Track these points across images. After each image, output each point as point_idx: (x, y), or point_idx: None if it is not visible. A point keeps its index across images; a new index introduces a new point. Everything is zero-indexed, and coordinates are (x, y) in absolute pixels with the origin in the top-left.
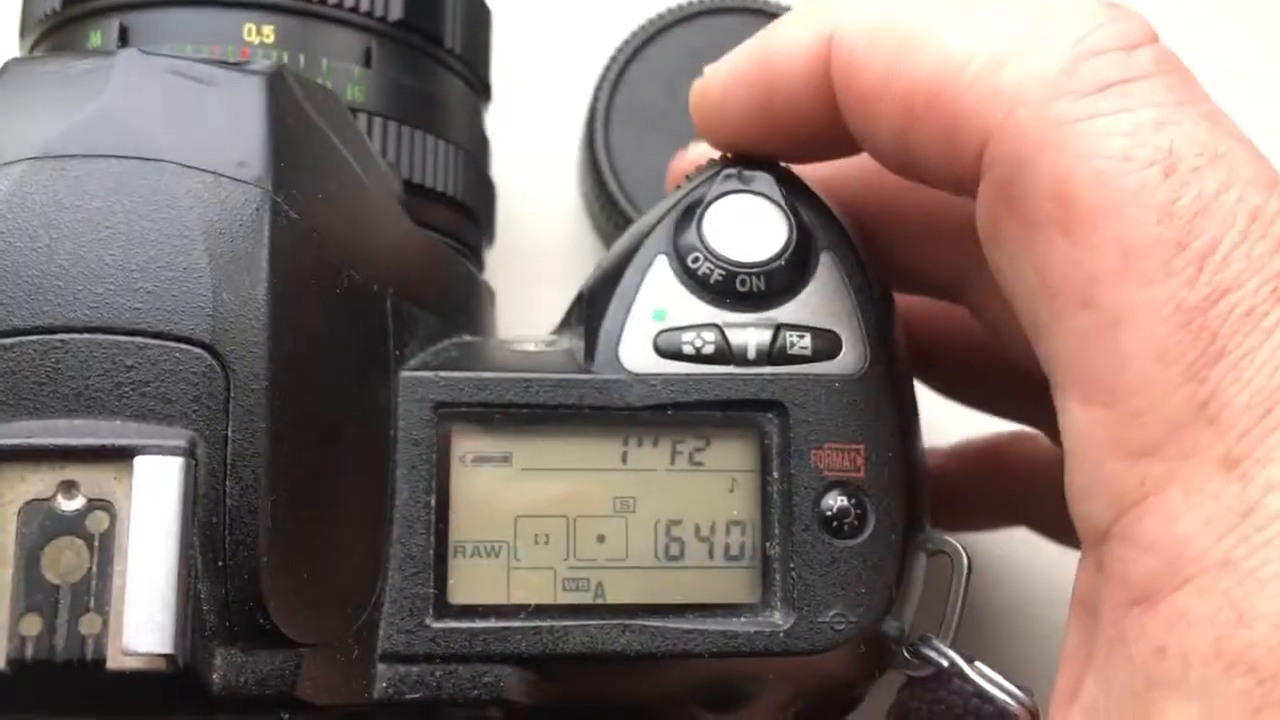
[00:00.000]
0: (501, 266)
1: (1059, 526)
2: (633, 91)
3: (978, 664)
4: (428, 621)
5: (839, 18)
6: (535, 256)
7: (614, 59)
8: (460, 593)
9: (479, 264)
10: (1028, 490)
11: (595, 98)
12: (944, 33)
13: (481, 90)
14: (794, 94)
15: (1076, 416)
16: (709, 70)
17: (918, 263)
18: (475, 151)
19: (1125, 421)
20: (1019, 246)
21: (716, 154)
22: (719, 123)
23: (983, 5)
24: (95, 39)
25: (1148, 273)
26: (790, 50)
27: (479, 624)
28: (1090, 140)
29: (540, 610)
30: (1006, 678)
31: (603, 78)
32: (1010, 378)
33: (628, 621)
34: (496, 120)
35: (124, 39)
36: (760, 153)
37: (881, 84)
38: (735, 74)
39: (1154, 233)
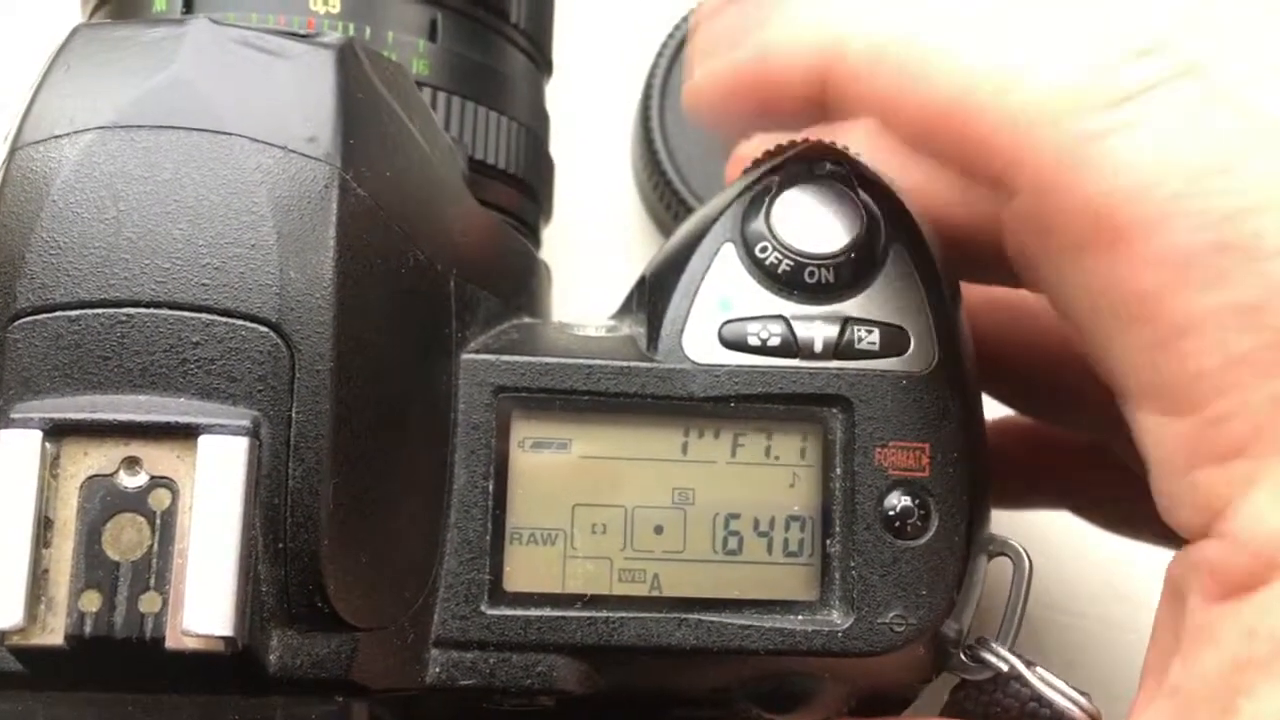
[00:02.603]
0: (552, 243)
1: (1101, 511)
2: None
3: (1038, 668)
4: (483, 608)
5: (840, 31)
6: (586, 233)
7: (671, 36)
8: (516, 580)
9: (537, 242)
10: (1072, 474)
11: (651, 74)
12: (959, 47)
13: (544, 65)
14: (791, 110)
15: (1154, 428)
16: (699, 74)
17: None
18: (537, 128)
19: (1205, 429)
20: (1059, 268)
21: (783, 139)
22: (714, 122)
23: (991, 17)
24: (160, 3)
25: (1202, 280)
26: (786, 65)
27: (534, 612)
28: (1121, 155)
29: (595, 600)
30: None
31: (659, 54)
32: (1075, 383)
33: (683, 615)
34: (552, 96)
35: (189, 5)
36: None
37: (896, 99)
38: (728, 81)
39: (1201, 239)
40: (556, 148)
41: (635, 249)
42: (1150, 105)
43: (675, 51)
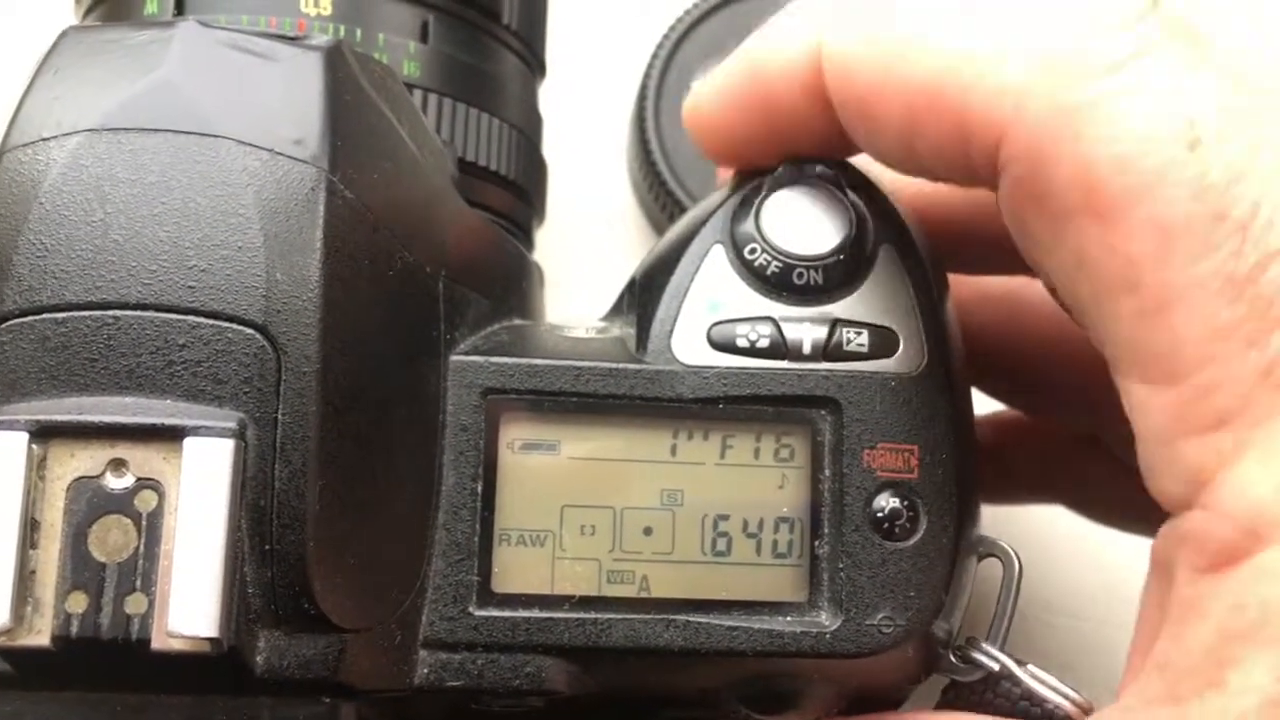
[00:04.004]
0: (547, 246)
1: (1095, 505)
2: (684, 71)
3: (1030, 667)
4: (471, 609)
5: (821, 35)
6: (582, 235)
7: (666, 37)
8: (504, 581)
9: (529, 244)
10: (1064, 467)
11: (646, 76)
12: (939, 33)
13: (537, 68)
14: (792, 108)
15: (1141, 397)
16: (697, 88)
17: (983, 233)
18: (529, 130)
19: (1192, 399)
20: (1052, 239)
21: None
22: (718, 141)
23: (977, 4)
24: (151, 6)
25: (1190, 250)
26: (781, 66)
27: (522, 613)
28: (1108, 124)
29: (584, 602)
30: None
31: (654, 56)
32: (1067, 375)
33: (672, 616)
34: (546, 98)
35: (180, 8)
36: (763, 164)
37: (879, 92)
38: (728, 93)
39: (1189, 209)
40: (553, 150)
41: (631, 251)
42: (1140, 73)
43: (670, 53)
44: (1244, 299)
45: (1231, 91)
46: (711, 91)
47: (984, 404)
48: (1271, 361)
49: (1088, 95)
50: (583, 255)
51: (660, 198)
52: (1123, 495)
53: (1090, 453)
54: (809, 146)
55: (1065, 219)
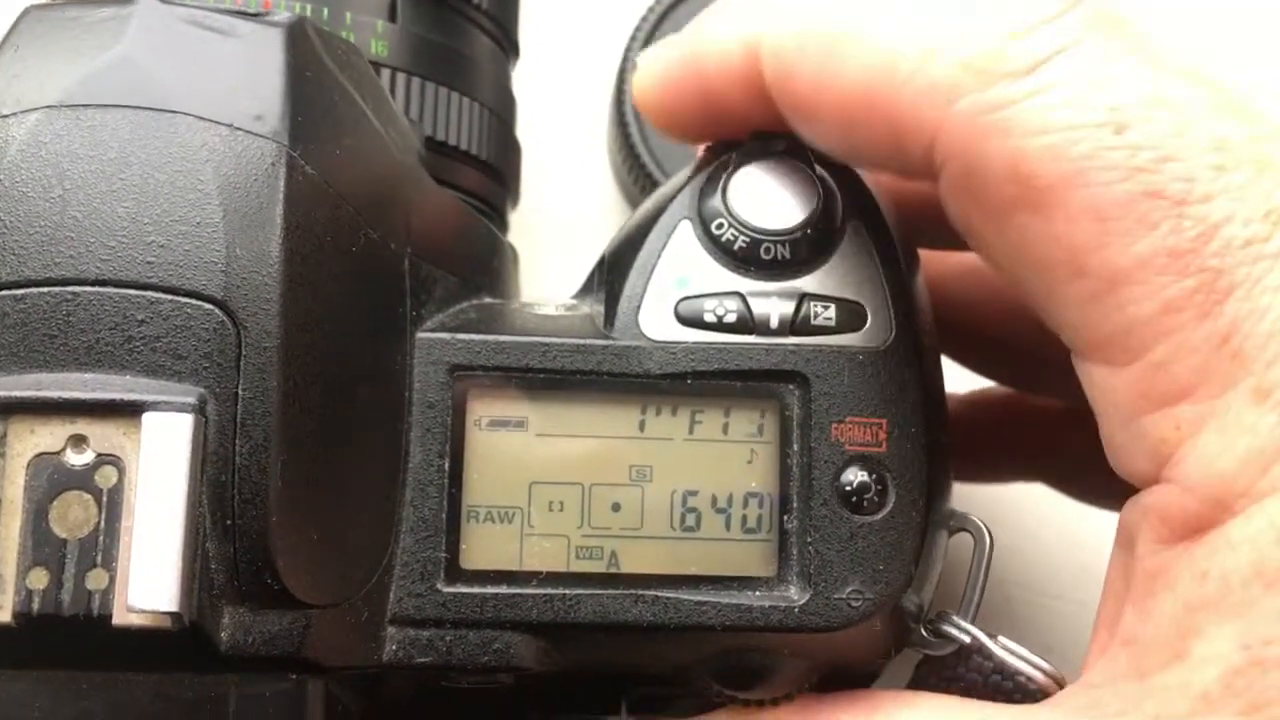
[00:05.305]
0: (528, 228)
1: (1074, 481)
2: None
3: (1001, 639)
4: (439, 586)
5: (762, 25)
6: (562, 218)
7: (644, 19)
8: (472, 558)
9: (503, 225)
10: (1045, 445)
11: (625, 58)
12: (868, 32)
13: (510, 48)
14: (732, 99)
15: (1100, 379)
16: (641, 66)
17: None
18: (501, 111)
19: (1148, 375)
20: (994, 233)
21: None
22: (663, 120)
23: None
24: None
25: (1129, 230)
26: (720, 59)
27: (490, 590)
28: (1035, 117)
29: (552, 578)
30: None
31: (632, 38)
32: (1044, 346)
33: (641, 592)
34: (526, 80)
35: None
36: (712, 139)
37: (815, 92)
38: (668, 78)
39: (1123, 190)
40: (533, 132)
41: (610, 233)
42: (1063, 67)
43: (649, 34)
44: (1190, 272)
45: (1153, 75)
46: (653, 74)
47: (968, 381)
48: (1226, 331)
49: (1014, 91)
50: (562, 237)
51: (639, 180)
52: (1103, 472)
53: (1071, 429)
54: (751, 128)
55: (1004, 213)
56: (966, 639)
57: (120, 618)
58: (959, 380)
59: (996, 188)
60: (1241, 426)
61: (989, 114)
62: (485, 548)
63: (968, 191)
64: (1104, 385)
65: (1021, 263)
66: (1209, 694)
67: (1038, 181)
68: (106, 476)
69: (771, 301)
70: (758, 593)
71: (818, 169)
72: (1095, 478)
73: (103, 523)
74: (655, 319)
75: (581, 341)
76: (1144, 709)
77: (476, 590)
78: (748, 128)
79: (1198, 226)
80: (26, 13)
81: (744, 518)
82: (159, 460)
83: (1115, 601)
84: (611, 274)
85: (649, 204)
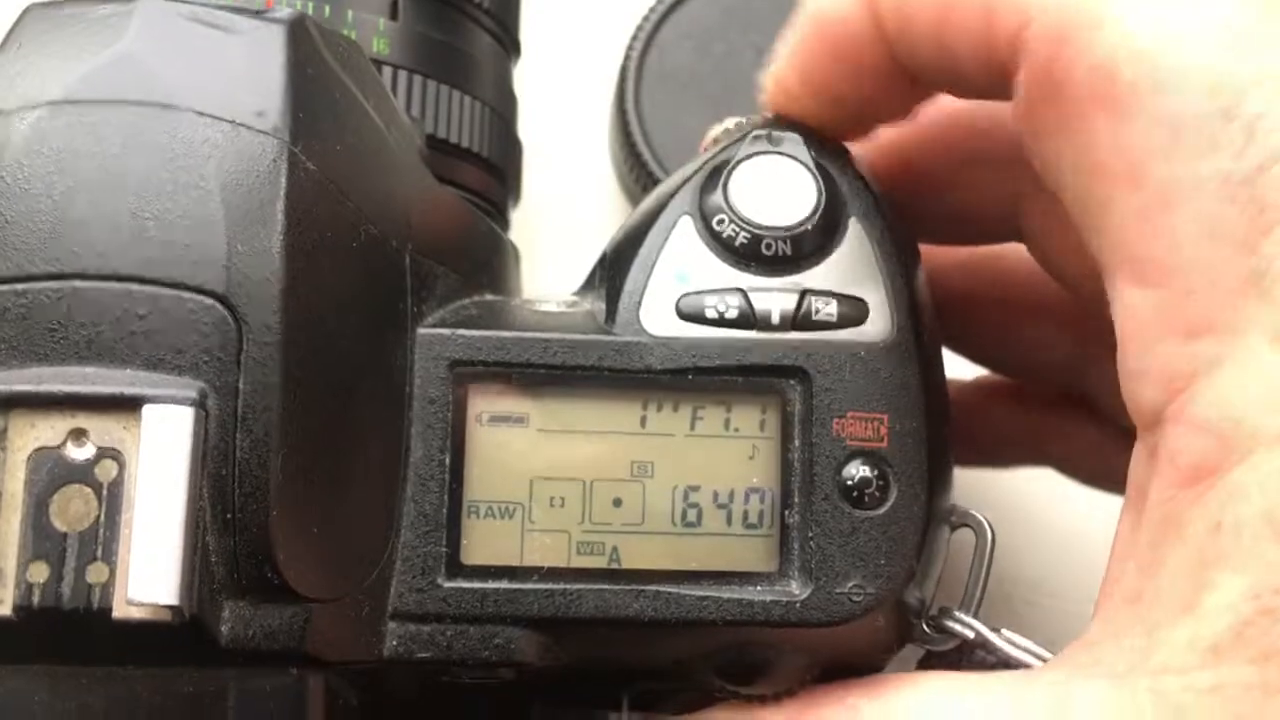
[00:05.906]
0: (529, 225)
1: (1079, 466)
2: (664, 52)
3: (1004, 631)
4: (439, 581)
5: None
6: (563, 215)
7: (646, 18)
8: (473, 553)
9: (504, 223)
10: (1049, 427)
11: (626, 57)
12: None
13: (511, 47)
14: (852, 42)
15: (1128, 298)
16: (776, 61)
17: (968, 197)
18: (503, 109)
19: (1177, 301)
20: (1063, 130)
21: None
22: (813, 91)
23: None
24: None
25: (1195, 147)
26: (837, 15)
27: (491, 585)
28: (1133, 17)
29: (553, 573)
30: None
31: (634, 37)
32: (1048, 336)
33: (642, 587)
34: (527, 78)
35: None
36: (840, 125)
37: (907, 10)
38: (796, 49)
39: (1198, 105)
40: (535, 131)
41: (612, 230)
42: None
43: (651, 33)
44: (1238, 201)
45: (1259, 11)
46: (784, 56)
47: (969, 369)
48: (1260, 269)
49: None
50: (563, 234)
51: (641, 178)
52: (1107, 456)
53: (1076, 413)
54: (874, 94)
55: (1079, 108)
56: (969, 633)
57: (120, 611)
58: (962, 370)
59: (1079, 80)
60: (1258, 368)
61: (1085, 4)
62: (486, 543)
63: (1048, 81)
64: (1131, 305)
65: (1082, 168)
66: (1219, 645)
67: (1120, 81)
68: (107, 470)
69: (773, 297)
70: (759, 588)
71: (819, 164)
72: (1099, 461)
73: (103, 516)
74: (656, 315)
75: (583, 337)
76: (1150, 663)
77: (477, 585)
78: (868, 84)
79: (1260, 155)
80: (28, 11)
81: (745, 513)
82: (159, 454)
83: (1119, 563)
84: (613, 270)
85: (650, 200)
